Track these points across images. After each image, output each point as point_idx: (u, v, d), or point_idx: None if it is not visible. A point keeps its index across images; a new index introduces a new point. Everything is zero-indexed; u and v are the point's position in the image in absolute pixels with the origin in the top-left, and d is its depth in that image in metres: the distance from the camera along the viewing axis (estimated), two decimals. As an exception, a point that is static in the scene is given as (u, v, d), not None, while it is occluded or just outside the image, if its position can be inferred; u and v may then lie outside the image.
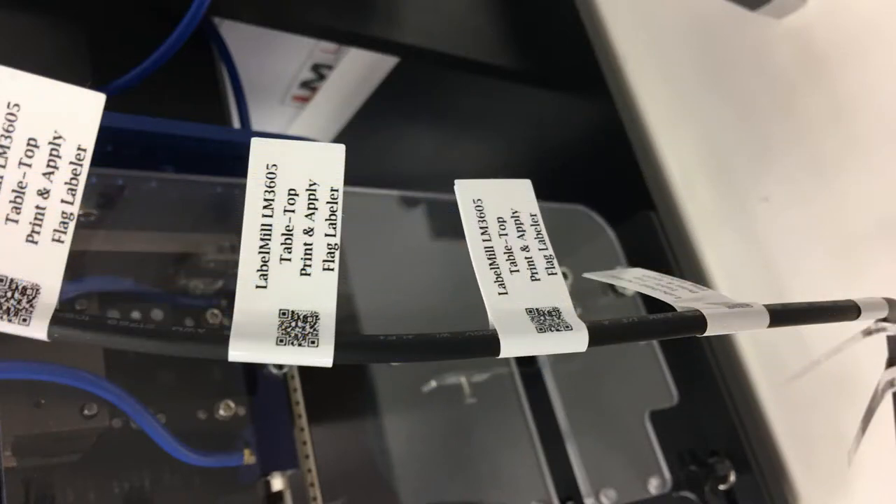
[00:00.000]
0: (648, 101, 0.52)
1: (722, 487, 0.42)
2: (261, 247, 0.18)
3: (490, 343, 0.18)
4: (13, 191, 0.17)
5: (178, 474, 0.29)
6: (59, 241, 0.17)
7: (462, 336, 0.18)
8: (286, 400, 0.33)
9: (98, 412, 0.28)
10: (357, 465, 0.35)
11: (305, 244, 0.18)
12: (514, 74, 0.56)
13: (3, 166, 0.17)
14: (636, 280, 0.24)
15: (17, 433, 0.26)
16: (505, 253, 0.20)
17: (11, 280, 0.16)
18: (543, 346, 0.18)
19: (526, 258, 0.20)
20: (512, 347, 0.18)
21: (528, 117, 0.60)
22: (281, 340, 0.17)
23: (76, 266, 0.30)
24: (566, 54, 0.57)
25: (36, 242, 0.17)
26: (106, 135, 0.33)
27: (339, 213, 0.18)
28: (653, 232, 0.48)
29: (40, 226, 0.17)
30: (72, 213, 0.17)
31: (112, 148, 0.34)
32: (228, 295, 0.33)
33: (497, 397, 0.40)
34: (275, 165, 0.18)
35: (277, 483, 0.31)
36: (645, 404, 0.43)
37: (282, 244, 0.18)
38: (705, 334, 0.20)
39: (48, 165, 0.17)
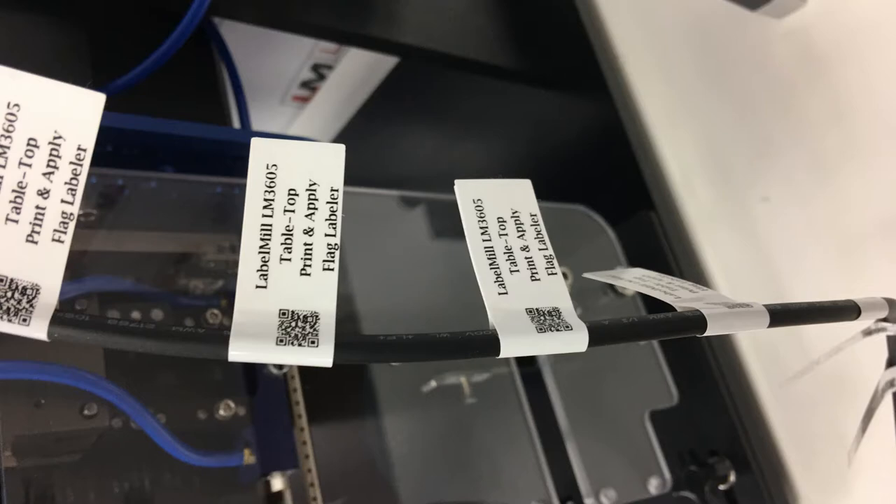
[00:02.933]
0: (648, 101, 0.52)
1: (722, 487, 0.42)
2: (261, 247, 0.18)
3: (490, 343, 0.18)
4: (13, 191, 0.17)
5: (178, 474, 0.29)
6: (59, 241, 0.17)
7: (462, 336, 0.18)
8: (286, 400, 0.33)
9: (98, 412, 0.28)
10: (357, 465, 0.35)
11: (305, 244, 0.18)
12: (514, 74, 0.56)
13: (3, 166, 0.17)
14: (636, 280, 0.24)
15: (17, 433, 0.26)
16: (505, 253, 0.20)
17: (11, 280, 0.16)
18: (543, 346, 0.18)
19: (526, 258, 0.20)
20: (512, 347, 0.18)
21: (528, 117, 0.60)
22: (281, 340, 0.17)
23: (76, 266, 0.30)
24: (566, 54, 0.57)
25: (36, 242, 0.17)
26: (106, 135, 0.33)
27: (339, 213, 0.18)
28: (652, 232, 0.48)
29: (40, 226, 0.17)
30: (72, 213, 0.17)
31: (112, 148, 0.34)
32: (228, 295, 0.33)
33: (497, 397, 0.40)
34: (275, 165, 0.18)
35: (277, 483, 0.31)
36: (645, 404, 0.43)
37: (282, 244, 0.18)
38: (705, 334, 0.20)
39: (48, 165, 0.17)
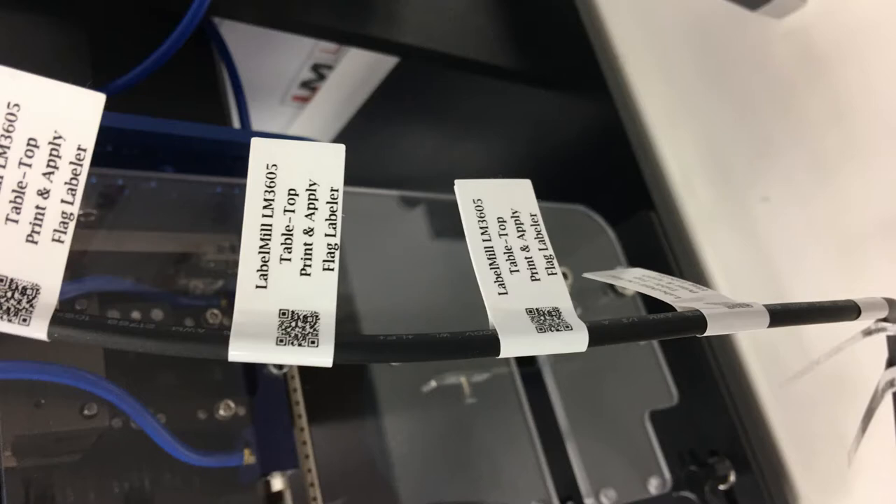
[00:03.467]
0: (648, 101, 0.52)
1: (722, 487, 0.42)
2: (261, 247, 0.18)
3: (490, 343, 0.18)
4: (13, 191, 0.17)
5: (178, 474, 0.29)
6: (59, 241, 0.17)
7: (462, 336, 0.18)
8: (286, 400, 0.33)
9: (98, 412, 0.28)
10: (357, 465, 0.35)
11: (305, 244, 0.18)
12: (514, 74, 0.56)
13: (3, 166, 0.17)
14: (636, 280, 0.24)
15: (17, 433, 0.26)
16: (505, 253, 0.20)
17: (11, 280, 0.16)
18: (543, 346, 0.18)
19: (526, 258, 0.20)
20: (512, 347, 0.18)
21: (528, 117, 0.60)
22: (281, 340, 0.17)
23: (76, 266, 0.30)
24: (566, 54, 0.57)
25: (36, 242, 0.17)
26: (106, 135, 0.33)
27: (339, 213, 0.18)
28: (652, 232, 0.48)
29: (40, 226, 0.17)
30: (72, 213, 0.17)
31: (112, 148, 0.34)
32: (228, 295, 0.33)
33: (497, 397, 0.40)
34: (275, 165, 0.18)
35: (277, 483, 0.31)
36: (645, 404, 0.43)
37: (282, 244, 0.18)
38: (705, 334, 0.20)
39: (48, 165, 0.17)
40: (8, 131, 0.17)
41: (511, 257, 0.20)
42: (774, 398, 0.44)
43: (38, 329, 0.16)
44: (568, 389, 0.42)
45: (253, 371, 0.32)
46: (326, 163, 0.19)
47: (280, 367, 0.33)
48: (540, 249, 0.20)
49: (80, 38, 0.39)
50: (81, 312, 0.17)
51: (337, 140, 0.57)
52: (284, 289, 0.17)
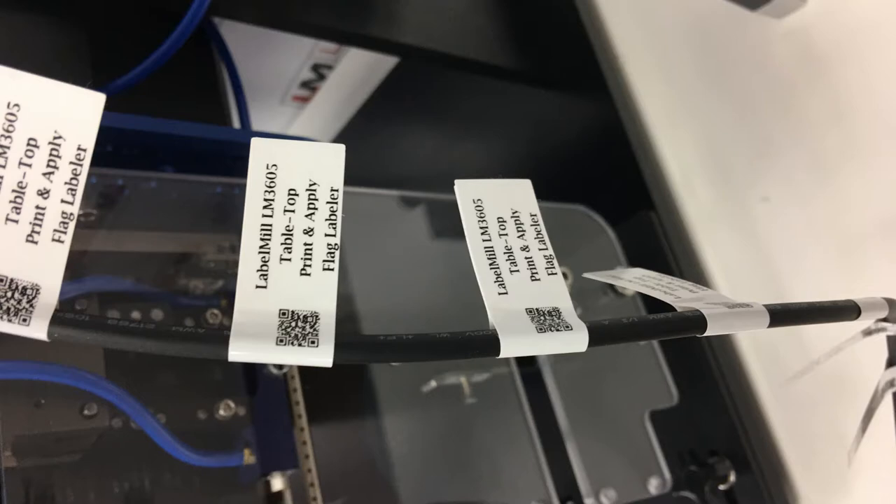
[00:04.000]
0: (648, 101, 0.52)
1: (722, 487, 0.42)
2: (261, 247, 0.18)
3: (490, 343, 0.18)
4: (13, 191, 0.17)
5: (178, 474, 0.29)
6: (59, 241, 0.17)
7: (462, 336, 0.18)
8: (286, 400, 0.33)
9: (98, 412, 0.28)
10: (357, 465, 0.35)
11: (305, 244, 0.18)
12: (514, 74, 0.56)
13: (3, 166, 0.17)
14: (636, 280, 0.24)
15: (17, 433, 0.26)
16: (505, 253, 0.20)
17: (11, 280, 0.16)
18: (543, 346, 0.18)
19: (526, 258, 0.20)
20: (512, 347, 0.18)
21: (528, 117, 0.60)
22: (281, 340, 0.17)
23: (76, 266, 0.30)
24: (566, 54, 0.57)
25: (36, 242, 0.17)
26: (106, 135, 0.33)
27: (339, 213, 0.18)
28: (652, 232, 0.48)
29: (40, 226, 0.17)
30: (72, 213, 0.17)
31: (112, 148, 0.34)
32: (228, 295, 0.33)
33: (497, 397, 0.40)
34: (275, 165, 0.18)
35: (277, 483, 0.31)
36: (645, 404, 0.43)
37: (282, 244, 0.18)
38: (705, 334, 0.20)
39: (48, 165, 0.17)
40: (8, 131, 0.17)
41: (511, 257, 0.20)
42: (774, 398, 0.44)
43: (38, 329, 0.16)
44: (568, 389, 0.42)
45: (253, 371, 0.32)
46: (326, 163, 0.19)
47: (280, 367, 0.33)
48: (540, 249, 0.20)
49: (80, 38, 0.39)
50: (81, 312, 0.17)
51: (337, 140, 0.57)
52: (284, 289, 0.17)
